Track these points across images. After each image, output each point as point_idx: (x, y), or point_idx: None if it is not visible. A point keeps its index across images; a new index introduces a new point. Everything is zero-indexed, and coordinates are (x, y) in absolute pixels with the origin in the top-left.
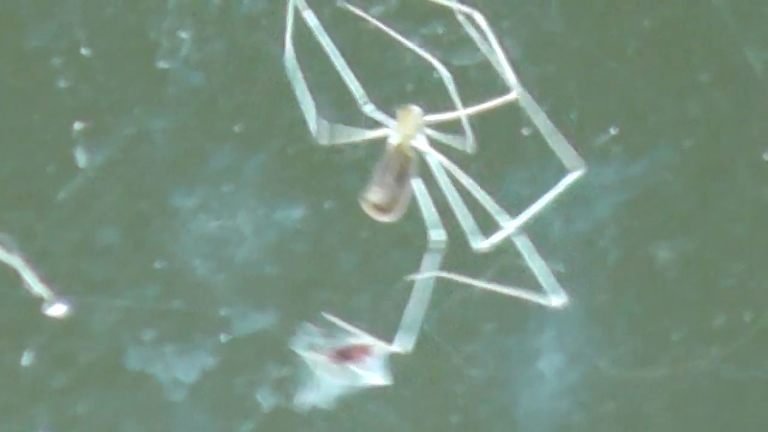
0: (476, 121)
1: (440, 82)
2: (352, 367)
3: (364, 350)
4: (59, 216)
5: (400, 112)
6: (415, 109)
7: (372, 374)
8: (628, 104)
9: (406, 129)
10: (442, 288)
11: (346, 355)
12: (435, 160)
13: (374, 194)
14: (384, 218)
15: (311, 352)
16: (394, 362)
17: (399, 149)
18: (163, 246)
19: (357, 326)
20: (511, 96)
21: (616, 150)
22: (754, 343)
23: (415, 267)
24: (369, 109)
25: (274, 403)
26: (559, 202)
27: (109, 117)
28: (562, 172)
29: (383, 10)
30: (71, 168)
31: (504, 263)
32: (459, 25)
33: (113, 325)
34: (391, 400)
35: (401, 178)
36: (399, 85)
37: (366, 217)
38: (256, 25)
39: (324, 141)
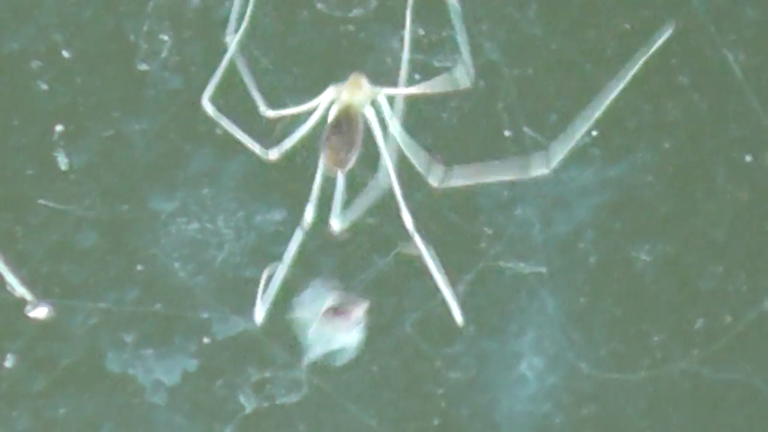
0: (455, 117)
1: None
2: (340, 322)
3: (347, 310)
4: (39, 219)
5: (350, 77)
6: (364, 76)
7: (353, 330)
8: (608, 106)
9: (353, 92)
10: (423, 290)
11: (336, 312)
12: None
13: (330, 147)
14: (337, 171)
15: (308, 311)
16: (375, 365)
17: (346, 109)
18: (143, 249)
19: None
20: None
21: (596, 152)
22: (733, 345)
23: (397, 271)
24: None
25: (255, 405)
26: (539, 205)
27: (89, 120)
28: (543, 176)
29: (363, 12)
30: (51, 171)
31: (486, 265)
32: (439, 26)
33: (94, 328)
34: (372, 403)
35: (351, 133)
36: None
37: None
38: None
39: (271, 114)
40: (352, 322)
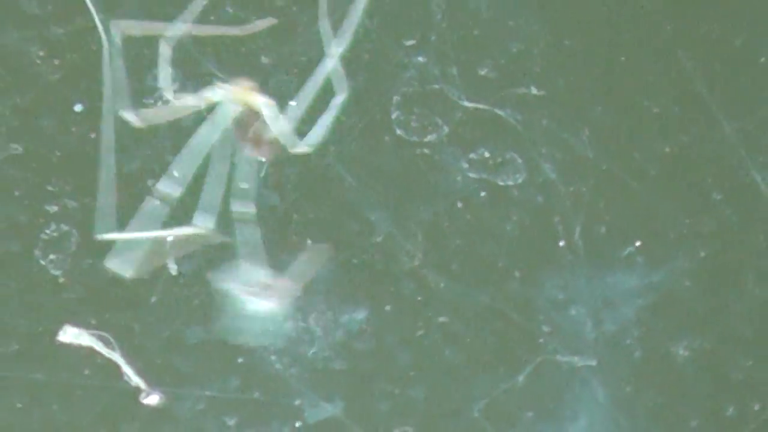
0: (516, 228)
1: (480, 203)
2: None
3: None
4: (153, 317)
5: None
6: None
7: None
8: (651, 220)
9: (240, 88)
10: (488, 380)
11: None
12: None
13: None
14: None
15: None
16: None
17: (244, 105)
18: (245, 344)
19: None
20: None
21: (640, 260)
22: (762, 430)
23: (466, 362)
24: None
25: None
26: (590, 306)
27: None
28: (594, 281)
29: (436, 137)
30: (163, 275)
31: (544, 359)
32: (503, 149)
33: (200, 413)
34: None
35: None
36: (450, 203)
37: (421, 318)
38: (324, 148)
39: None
40: (278, 298)
